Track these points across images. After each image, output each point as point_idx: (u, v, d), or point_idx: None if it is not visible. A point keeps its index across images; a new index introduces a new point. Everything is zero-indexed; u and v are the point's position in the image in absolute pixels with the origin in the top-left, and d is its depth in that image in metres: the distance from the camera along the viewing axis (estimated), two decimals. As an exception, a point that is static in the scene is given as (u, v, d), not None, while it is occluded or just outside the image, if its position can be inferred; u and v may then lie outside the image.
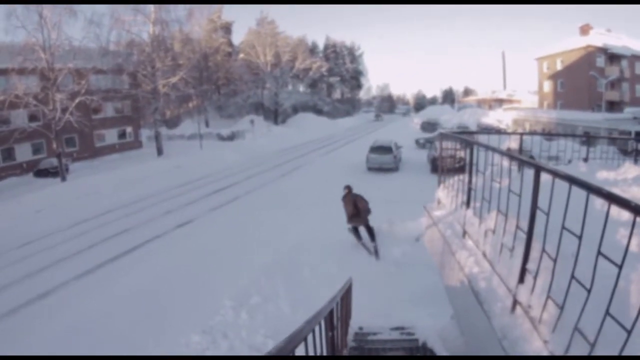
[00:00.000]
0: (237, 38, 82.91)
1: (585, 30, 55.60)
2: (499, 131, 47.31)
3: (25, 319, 9.89)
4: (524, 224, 3.43)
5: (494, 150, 4.40)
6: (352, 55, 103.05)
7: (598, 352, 2.39)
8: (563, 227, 2.76)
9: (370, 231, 12.83)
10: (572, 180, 2.62)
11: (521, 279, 3.40)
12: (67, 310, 10.06)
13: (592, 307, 2.47)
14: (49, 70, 31.04)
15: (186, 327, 8.76)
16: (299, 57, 76.54)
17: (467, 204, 5.38)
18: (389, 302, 8.68)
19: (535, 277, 3.16)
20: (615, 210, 2.29)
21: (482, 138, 6.66)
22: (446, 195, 6.71)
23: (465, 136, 6.65)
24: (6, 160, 36.72)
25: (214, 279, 11.16)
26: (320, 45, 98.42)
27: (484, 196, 4.60)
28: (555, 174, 2.82)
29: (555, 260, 2.87)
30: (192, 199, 21.42)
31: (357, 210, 12.95)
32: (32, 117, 35.57)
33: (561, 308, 2.74)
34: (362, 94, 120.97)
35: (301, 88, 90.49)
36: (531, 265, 3.28)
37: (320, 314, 3.64)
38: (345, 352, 5.80)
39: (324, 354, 3.75)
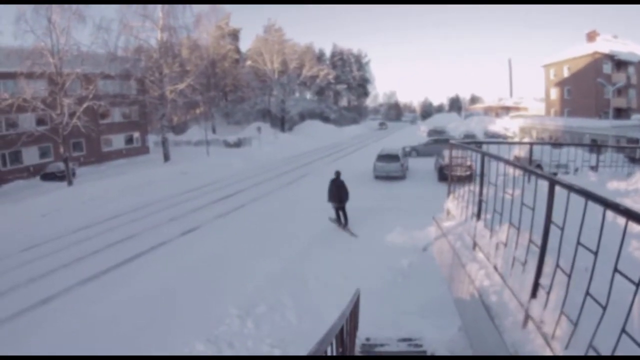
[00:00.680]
0: (245, 45, 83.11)
1: (592, 37, 55.47)
2: (508, 140, 47.38)
3: (27, 324, 9.83)
4: (536, 237, 3.37)
5: (507, 162, 4.34)
6: (359, 62, 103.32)
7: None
8: (578, 243, 2.70)
9: (345, 215, 16.31)
10: (589, 195, 2.57)
11: (534, 294, 3.34)
12: (70, 316, 9.99)
13: (607, 324, 2.41)
14: (57, 74, 31.29)
15: (191, 335, 8.71)
16: (306, 64, 76.61)
17: (478, 215, 5.31)
18: (395, 313, 8.61)
19: (548, 292, 3.10)
20: (631, 225, 2.24)
21: (492, 147, 6.58)
22: (456, 206, 6.64)
23: (474, 146, 6.58)
24: (13, 163, 37.11)
25: (219, 286, 11.10)
26: (327, 53, 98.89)
27: (495, 208, 4.54)
28: (571, 188, 2.76)
29: (569, 276, 2.81)
30: (198, 206, 21.36)
31: (339, 194, 16.13)
32: (40, 121, 35.83)
33: (575, 324, 2.68)
34: (369, 102, 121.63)
35: (308, 95, 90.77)
36: (544, 280, 3.22)
37: (331, 332, 3.59)
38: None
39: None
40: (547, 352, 2.97)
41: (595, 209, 2.51)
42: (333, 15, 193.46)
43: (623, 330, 2.25)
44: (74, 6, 31.48)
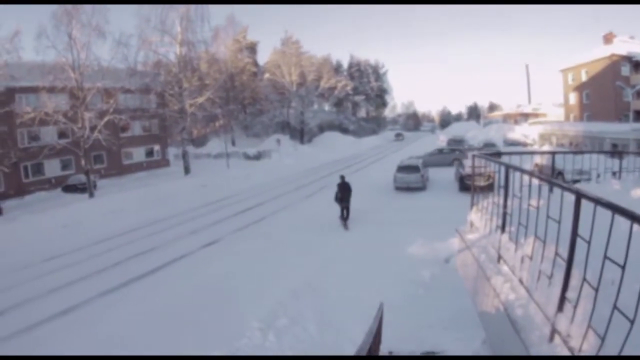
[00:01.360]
0: (262, 58, 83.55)
1: (608, 39, 54.58)
2: (528, 147, 46.99)
3: (46, 335, 9.92)
4: (562, 250, 3.35)
5: (531, 174, 4.32)
6: (377, 73, 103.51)
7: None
8: (605, 257, 2.67)
9: (348, 212, 18.89)
10: (616, 209, 2.55)
11: (560, 308, 3.31)
12: (89, 328, 10.06)
13: (636, 338, 2.39)
14: (78, 89, 32.21)
15: (211, 348, 8.69)
16: (324, 76, 76.98)
17: (503, 228, 5.28)
18: (418, 326, 8.54)
19: (575, 306, 3.07)
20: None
21: (514, 157, 6.53)
22: (479, 218, 6.60)
23: (496, 157, 6.55)
24: (35, 175, 38.14)
25: (240, 299, 11.09)
26: (345, 64, 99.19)
27: (520, 220, 4.51)
28: (598, 201, 2.74)
29: (597, 290, 2.78)
30: (219, 219, 21.45)
31: (345, 194, 18.76)
32: (61, 134, 37.03)
33: (602, 338, 2.65)
34: (387, 112, 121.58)
35: (326, 107, 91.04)
36: (571, 294, 3.19)
37: (360, 351, 3.58)
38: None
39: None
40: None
41: (622, 221, 2.49)
42: (350, 25, 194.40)
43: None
44: (94, 22, 32.59)
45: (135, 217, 23.16)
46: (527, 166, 8.30)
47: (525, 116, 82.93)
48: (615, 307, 2.56)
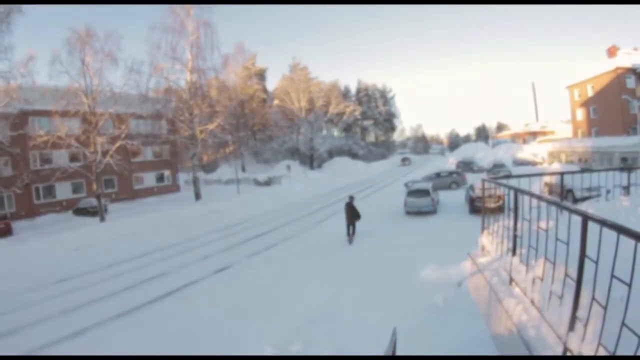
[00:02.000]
0: (271, 84, 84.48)
1: (612, 52, 54.34)
2: (537, 167, 46.80)
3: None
4: (571, 270, 3.44)
5: (540, 198, 4.42)
6: (385, 97, 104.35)
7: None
8: (612, 275, 2.78)
9: (354, 229, 20.58)
10: (621, 230, 2.66)
11: (571, 327, 3.40)
12: (100, 352, 10.12)
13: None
14: (90, 114, 32.86)
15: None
16: (332, 101, 77.59)
17: (514, 250, 5.37)
18: (431, 351, 8.55)
19: (585, 325, 3.16)
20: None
21: (523, 180, 6.62)
22: (490, 241, 6.69)
23: (505, 181, 6.64)
24: (46, 197, 39.01)
25: (252, 325, 11.10)
26: (353, 89, 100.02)
27: (530, 243, 4.60)
28: (604, 223, 2.86)
29: (605, 308, 2.88)
30: (230, 245, 21.45)
31: (352, 214, 20.43)
32: (73, 158, 37.83)
33: (613, 354, 2.74)
34: (396, 136, 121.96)
35: (335, 132, 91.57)
36: (581, 313, 3.28)
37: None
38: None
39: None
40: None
41: (629, 240, 2.59)
42: (357, 50, 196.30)
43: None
44: (106, 48, 33.26)
45: (146, 242, 23.29)
46: (537, 185, 8.40)
47: (534, 135, 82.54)
48: (623, 323, 2.66)
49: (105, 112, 33.79)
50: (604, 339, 2.90)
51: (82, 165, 35.66)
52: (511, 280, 5.22)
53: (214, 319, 11.79)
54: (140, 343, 10.41)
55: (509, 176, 8.31)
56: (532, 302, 4.34)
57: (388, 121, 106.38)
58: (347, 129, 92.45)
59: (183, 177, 54.23)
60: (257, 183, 54.68)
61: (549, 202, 4.29)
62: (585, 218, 3.19)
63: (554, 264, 3.91)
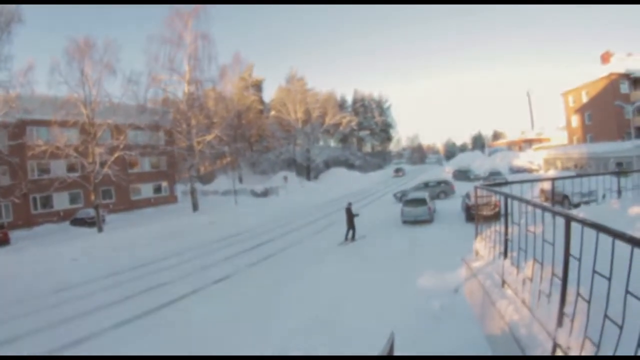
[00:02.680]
0: (268, 95, 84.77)
1: (606, 58, 54.91)
2: (532, 174, 47.04)
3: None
4: (559, 270, 3.62)
5: (527, 202, 4.62)
6: (381, 107, 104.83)
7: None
8: (594, 271, 2.96)
9: (354, 233, 22.42)
10: (599, 228, 2.85)
11: (560, 323, 3.57)
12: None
13: (626, 342, 2.67)
14: (89, 124, 32.91)
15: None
16: (329, 112, 77.86)
17: (505, 254, 5.55)
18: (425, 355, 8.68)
19: (572, 320, 3.34)
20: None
21: (515, 186, 6.82)
22: (484, 246, 6.87)
23: (497, 188, 6.83)
24: (44, 207, 38.90)
25: (251, 335, 11.19)
26: (349, 99, 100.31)
27: (520, 246, 4.80)
28: (584, 222, 3.06)
29: (589, 303, 3.06)
30: (228, 255, 21.47)
31: (351, 218, 22.34)
32: (71, 168, 37.89)
33: (597, 346, 2.92)
34: (392, 146, 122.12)
35: (332, 143, 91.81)
36: (568, 309, 3.46)
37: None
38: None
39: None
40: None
41: (609, 238, 2.79)
42: (353, 61, 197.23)
43: (639, 345, 2.50)
44: (105, 59, 33.38)
45: (144, 252, 23.36)
46: (532, 192, 8.60)
47: (530, 142, 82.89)
48: (606, 316, 2.84)
49: (103, 122, 33.92)
50: (589, 332, 3.08)
51: (80, 176, 35.74)
52: (503, 282, 5.40)
53: (209, 329, 11.84)
54: (136, 353, 10.47)
55: (501, 183, 8.48)
56: (523, 301, 4.51)
57: (384, 131, 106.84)
58: (344, 139, 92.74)
59: (180, 188, 54.32)
60: (255, 194, 54.78)
61: (535, 206, 4.48)
62: (568, 219, 3.39)
63: (541, 264, 4.09)
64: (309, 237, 25.19)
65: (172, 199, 52.37)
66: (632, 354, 2.56)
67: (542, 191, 18.23)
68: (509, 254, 5.48)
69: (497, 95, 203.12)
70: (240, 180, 65.34)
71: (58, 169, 37.84)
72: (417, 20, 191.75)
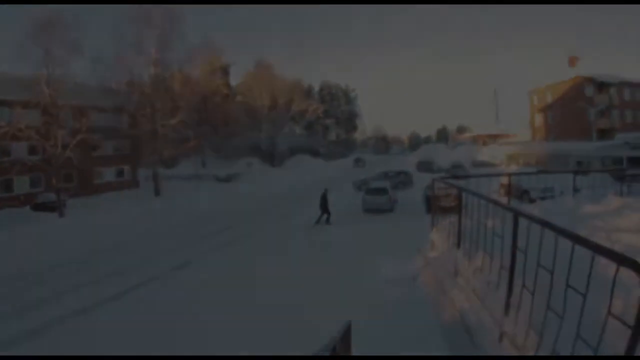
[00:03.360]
0: (235, 80, 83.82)
1: (573, 61, 56.96)
2: (494, 170, 47.99)
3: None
4: (508, 262, 3.83)
5: (480, 196, 4.81)
6: (347, 97, 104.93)
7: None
8: (538, 264, 3.16)
9: (329, 217, 24.14)
10: (545, 224, 3.05)
11: (506, 312, 3.78)
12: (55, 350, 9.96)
13: (566, 331, 2.86)
14: (52, 105, 31.78)
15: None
16: (295, 99, 77.58)
17: (458, 245, 5.76)
18: (388, 345, 8.86)
19: (517, 310, 3.54)
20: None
21: (473, 180, 7.05)
22: (439, 237, 7.07)
23: (455, 181, 7.03)
24: (4, 191, 37.06)
25: (217, 323, 11.07)
26: (316, 88, 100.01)
27: (472, 237, 5.00)
28: (531, 218, 3.25)
29: (533, 294, 3.26)
30: (190, 240, 21.40)
31: (324, 204, 24.07)
32: (32, 150, 36.35)
33: (540, 334, 3.12)
34: (358, 135, 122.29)
35: (297, 130, 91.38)
36: (514, 299, 3.67)
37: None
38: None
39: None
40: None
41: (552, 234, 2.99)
42: (321, 49, 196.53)
43: (578, 335, 2.69)
44: (71, 37, 32.29)
45: (106, 237, 22.86)
46: (491, 187, 8.86)
47: (494, 137, 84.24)
48: (548, 306, 3.04)
49: (66, 103, 33.14)
50: (533, 321, 3.28)
51: (41, 159, 34.82)
52: (456, 272, 5.61)
53: (173, 317, 11.70)
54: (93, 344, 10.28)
55: (460, 176, 8.68)
56: (474, 291, 4.71)
57: (350, 120, 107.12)
58: (309, 127, 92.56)
59: (143, 172, 53.55)
60: (218, 179, 54.47)
61: (488, 200, 4.68)
62: (516, 214, 3.58)
63: (491, 256, 4.30)
64: (271, 222, 25.21)
65: (134, 183, 51.28)
66: (571, 343, 2.75)
67: (503, 185, 18.70)
68: (462, 245, 5.69)
69: (466, 91, 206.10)
70: (204, 165, 64.85)
71: (19, 151, 36.55)
72: (383, 11, 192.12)
